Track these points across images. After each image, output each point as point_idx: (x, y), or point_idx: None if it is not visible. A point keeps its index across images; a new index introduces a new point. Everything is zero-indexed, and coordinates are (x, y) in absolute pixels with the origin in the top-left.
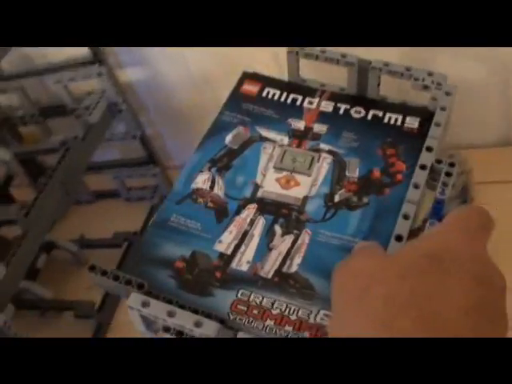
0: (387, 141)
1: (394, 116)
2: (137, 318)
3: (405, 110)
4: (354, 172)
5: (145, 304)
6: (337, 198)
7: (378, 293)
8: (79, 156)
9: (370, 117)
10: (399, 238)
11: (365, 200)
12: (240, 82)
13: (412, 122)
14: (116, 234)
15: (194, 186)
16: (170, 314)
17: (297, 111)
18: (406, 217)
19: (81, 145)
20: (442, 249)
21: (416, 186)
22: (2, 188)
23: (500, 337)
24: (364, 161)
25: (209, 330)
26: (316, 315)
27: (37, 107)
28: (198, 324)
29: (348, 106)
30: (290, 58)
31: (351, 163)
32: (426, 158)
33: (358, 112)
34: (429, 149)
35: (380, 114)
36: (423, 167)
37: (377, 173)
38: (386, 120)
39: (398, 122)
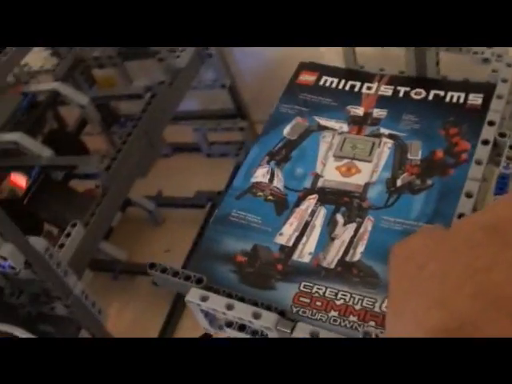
0: (449, 120)
1: (456, 94)
2: (198, 313)
3: (467, 87)
4: (416, 154)
5: (204, 298)
6: (399, 183)
7: (432, 270)
8: (165, 103)
9: (431, 97)
10: (461, 216)
11: (428, 182)
12: (296, 74)
13: (475, 99)
14: (198, 193)
15: (253, 179)
16: (229, 307)
17: (355, 98)
18: (468, 195)
19: (167, 91)
20: (502, 220)
21: (478, 163)
22: (74, 135)
23: None
24: (426, 142)
25: (268, 321)
26: (381, 304)
27: (115, 48)
28: (256, 316)
29: (408, 89)
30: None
31: (413, 146)
32: (488, 132)
33: (418, 93)
34: (491, 123)
35: (441, 93)
36: (485, 142)
37: (440, 153)
38: (447, 99)
39: (461, 100)
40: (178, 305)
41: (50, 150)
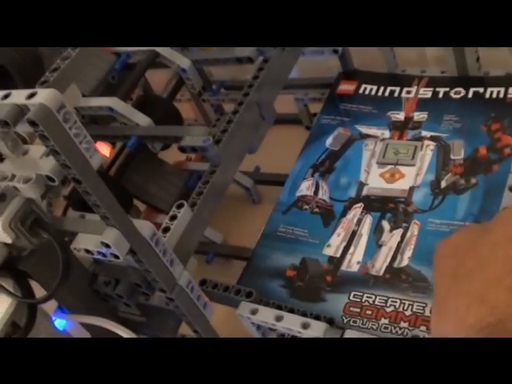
0: (491, 116)
1: (495, 90)
2: (250, 327)
3: (507, 81)
4: (459, 154)
5: (254, 311)
6: (443, 184)
7: (471, 266)
8: (278, 70)
9: (470, 95)
10: None
11: (473, 181)
12: (335, 84)
13: None
14: None
15: (298, 193)
16: (278, 319)
17: (396, 103)
18: None
19: (281, 55)
20: None
21: None
22: (169, 101)
23: None
24: (468, 140)
25: (316, 330)
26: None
27: None
28: (305, 326)
29: (447, 89)
30: (383, 49)
31: (455, 145)
32: None
33: (457, 93)
34: None
35: (481, 90)
36: None
37: (483, 150)
38: (487, 95)
39: (501, 95)
40: None
41: (149, 119)
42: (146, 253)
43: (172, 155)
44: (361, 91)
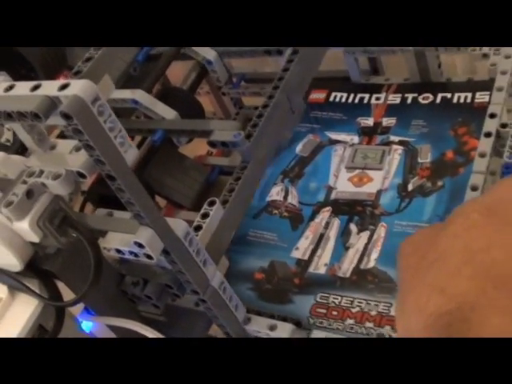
0: (458, 121)
1: (463, 95)
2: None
3: (473, 86)
4: (426, 157)
5: None
6: (410, 187)
7: (431, 258)
8: (308, 61)
9: (438, 100)
10: None
11: (439, 183)
12: (307, 92)
13: (482, 97)
14: None
15: (268, 198)
16: (245, 322)
17: (365, 109)
18: (473, 188)
19: (310, 48)
20: (499, 201)
21: (482, 155)
22: (191, 94)
23: None
24: (436, 145)
25: (283, 332)
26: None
27: None
28: (272, 327)
29: (416, 95)
30: (347, 58)
31: (423, 149)
32: (489, 125)
33: (426, 98)
34: (492, 115)
35: (449, 95)
36: (488, 135)
37: (450, 154)
38: (455, 100)
39: (468, 100)
40: None
41: (175, 112)
42: (179, 253)
43: (191, 149)
44: (331, 99)
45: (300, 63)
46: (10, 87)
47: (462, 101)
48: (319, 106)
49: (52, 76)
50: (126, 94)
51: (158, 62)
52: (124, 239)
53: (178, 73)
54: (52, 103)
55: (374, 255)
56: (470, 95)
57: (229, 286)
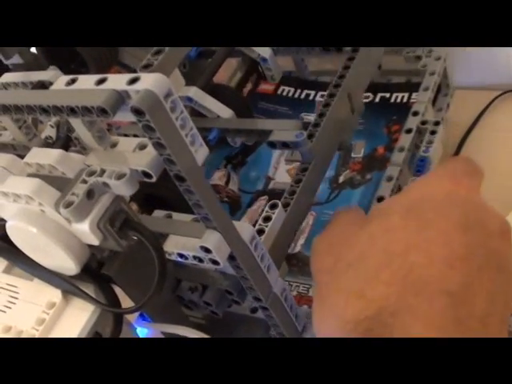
0: (392, 119)
1: (400, 95)
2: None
3: (411, 87)
4: (359, 153)
5: None
6: (341, 179)
7: (349, 260)
8: (368, 59)
9: (377, 99)
10: (380, 199)
11: (368, 177)
12: (257, 83)
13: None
14: None
15: (210, 182)
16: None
17: (310, 105)
18: (388, 178)
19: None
20: (418, 199)
21: (401, 150)
22: (239, 92)
23: (506, 288)
24: (369, 141)
25: None
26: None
27: None
28: None
29: None
30: (295, 56)
31: (357, 145)
32: (411, 122)
33: (366, 97)
34: (415, 113)
35: (387, 95)
36: (408, 131)
37: (381, 150)
38: (392, 100)
39: (404, 100)
40: None
41: (231, 110)
42: (245, 258)
43: None
44: (279, 92)
45: (360, 61)
46: (73, 80)
47: (398, 100)
48: (267, 98)
49: (103, 71)
50: (181, 90)
51: (212, 59)
52: (188, 243)
53: (220, 71)
54: (120, 97)
55: (301, 241)
56: (406, 95)
57: (290, 293)
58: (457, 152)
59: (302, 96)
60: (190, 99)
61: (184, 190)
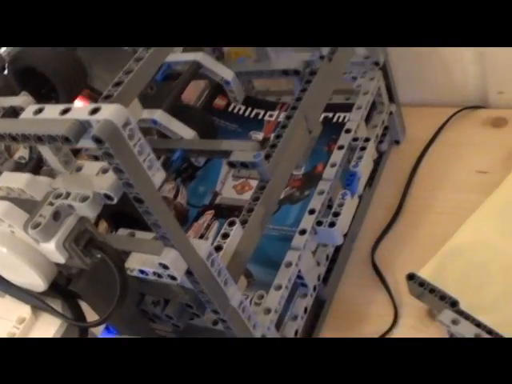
0: (332, 138)
1: (342, 114)
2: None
3: (350, 107)
4: (299, 170)
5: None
6: (282, 195)
7: None
8: (325, 82)
9: (321, 119)
10: (312, 212)
11: (306, 193)
12: (213, 96)
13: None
14: None
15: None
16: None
17: (259, 124)
18: (320, 192)
19: (328, 67)
20: None
21: (332, 165)
22: (205, 114)
23: None
24: (310, 159)
25: None
26: (252, 298)
27: None
28: None
29: None
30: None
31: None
32: (344, 139)
33: None
34: (347, 131)
35: (330, 115)
36: (340, 147)
37: (320, 167)
38: (335, 119)
39: (346, 119)
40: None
41: (194, 132)
42: (202, 273)
43: None
44: (230, 109)
45: (317, 84)
46: (40, 110)
47: (340, 120)
48: (219, 113)
49: (72, 96)
50: (146, 113)
51: (176, 81)
52: (148, 260)
53: (188, 91)
54: (82, 127)
55: None
56: (347, 115)
57: (248, 305)
58: (415, 167)
59: (252, 115)
60: (155, 122)
61: (143, 212)
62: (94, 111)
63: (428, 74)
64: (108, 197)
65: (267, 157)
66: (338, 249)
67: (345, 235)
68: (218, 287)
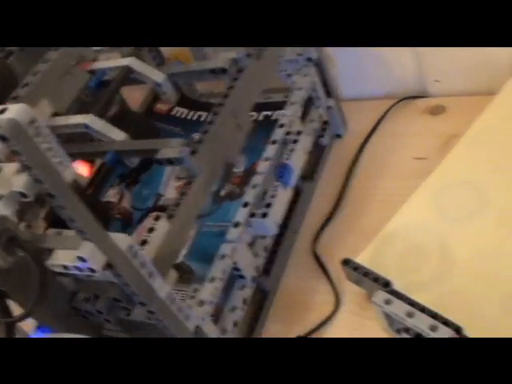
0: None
1: (281, 113)
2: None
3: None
4: (239, 167)
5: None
6: (222, 193)
7: None
8: (254, 79)
9: (261, 117)
10: (245, 205)
11: (245, 189)
12: (154, 100)
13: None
14: None
15: (105, 199)
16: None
17: (201, 126)
18: (253, 186)
19: (256, 65)
20: None
21: (266, 159)
22: (144, 117)
23: None
24: (250, 156)
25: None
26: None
27: None
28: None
29: None
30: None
31: (239, 160)
32: (277, 133)
33: (251, 116)
34: (281, 126)
35: (269, 113)
36: (274, 142)
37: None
38: (274, 117)
39: None
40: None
41: (124, 133)
42: (123, 266)
43: None
44: (173, 113)
45: (244, 81)
46: None
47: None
48: (161, 117)
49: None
50: (77, 119)
51: (109, 87)
52: (69, 255)
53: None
54: None
55: (183, 252)
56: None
57: (177, 297)
58: (356, 158)
59: (195, 117)
60: (87, 126)
61: (56, 207)
62: (2, 112)
63: (368, 68)
64: (23, 195)
65: (193, 152)
66: (279, 241)
67: (286, 227)
68: (143, 279)
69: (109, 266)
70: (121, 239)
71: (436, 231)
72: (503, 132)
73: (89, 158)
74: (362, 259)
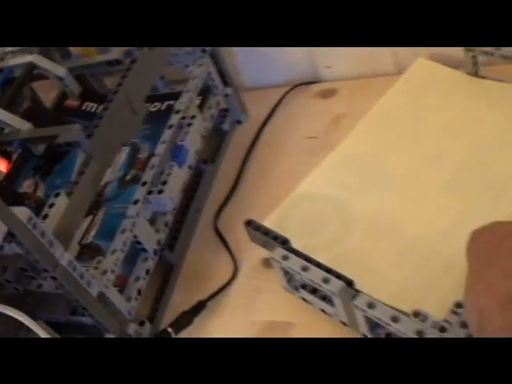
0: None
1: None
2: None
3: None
4: (144, 154)
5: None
6: (128, 177)
7: (509, 246)
8: (146, 69)
9: (164, 107)
10: (144, 184)
11: None
12: (64, 96)
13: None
14: None
15: (21, 190)
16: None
17: None
18: (151, 167)
19: (148, 56)
20: None
21: (162, 142)
22: (52, 110)
23: None
24: (153, 144)
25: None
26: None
27: None
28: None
29: (148, 104)
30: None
31: (143, 148)
32: (173, 119)
33: (154, 106)
34: (177, 111)
35: (172, 102)
36: (170, 126)
37: None
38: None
39: None
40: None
41: (29, 123)
42: (24, 235)
43: None
44: (84, 107)
45: (138, 70)
46: None
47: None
48: (73, 112)
49: None
50: None
51: (14, 83)
52: None
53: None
54: None
55: (93, 232)
56: None
57: (79, 265)
58: (254, 141)
59: None
60: None
61: None
62: None
63: (266, 58)
64: None
65: (90, 136)
66: (183, 219)
67: (189, 206)
68: (43, 247)
69: (11, 235)
70: (22, 212)
71: (337, 199)
72: (405, 111)
73: None
74: (267, 223)
